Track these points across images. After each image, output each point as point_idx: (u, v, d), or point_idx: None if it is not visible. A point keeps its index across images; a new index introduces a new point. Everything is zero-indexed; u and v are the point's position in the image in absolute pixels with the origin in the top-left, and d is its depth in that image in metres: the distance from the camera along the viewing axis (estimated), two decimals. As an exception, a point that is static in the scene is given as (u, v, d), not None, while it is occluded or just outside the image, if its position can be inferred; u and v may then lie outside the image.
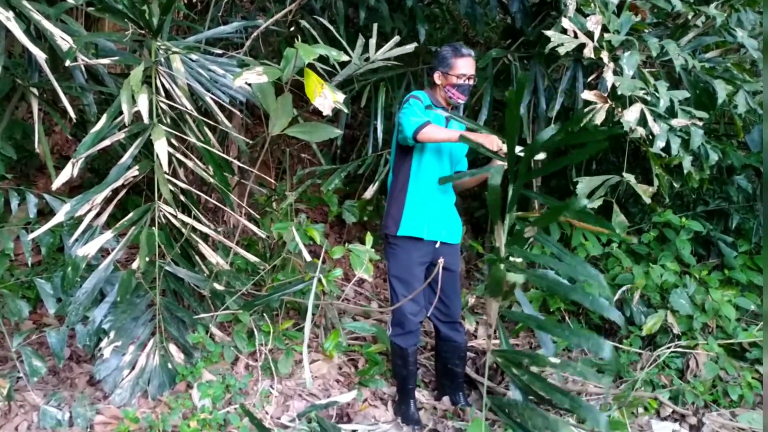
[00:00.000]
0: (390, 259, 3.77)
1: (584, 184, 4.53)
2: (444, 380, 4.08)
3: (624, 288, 4.55)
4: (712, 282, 4.55)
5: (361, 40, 3.98)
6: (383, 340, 4.20)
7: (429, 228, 3.71)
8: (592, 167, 5.73)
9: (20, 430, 3.45)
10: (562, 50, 4.05)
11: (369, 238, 3.93)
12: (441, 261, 3.49)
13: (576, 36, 4.10)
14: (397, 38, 3.97)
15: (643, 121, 4.07)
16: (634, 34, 4.25)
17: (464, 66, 3.55)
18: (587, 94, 4.17)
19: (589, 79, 4.47)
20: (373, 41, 3.98)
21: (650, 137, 4.10)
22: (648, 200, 4.45)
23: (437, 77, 3.64)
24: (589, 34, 4.11)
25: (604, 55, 4.09)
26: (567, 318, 4.81)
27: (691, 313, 4.38)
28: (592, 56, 4.10)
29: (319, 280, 3.64)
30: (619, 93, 4.03)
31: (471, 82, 3.58)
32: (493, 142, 3.28)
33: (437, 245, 3.76)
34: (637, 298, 4.52)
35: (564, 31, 4.11)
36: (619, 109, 4.12)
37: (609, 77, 4.07)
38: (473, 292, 5.14)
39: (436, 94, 3.69)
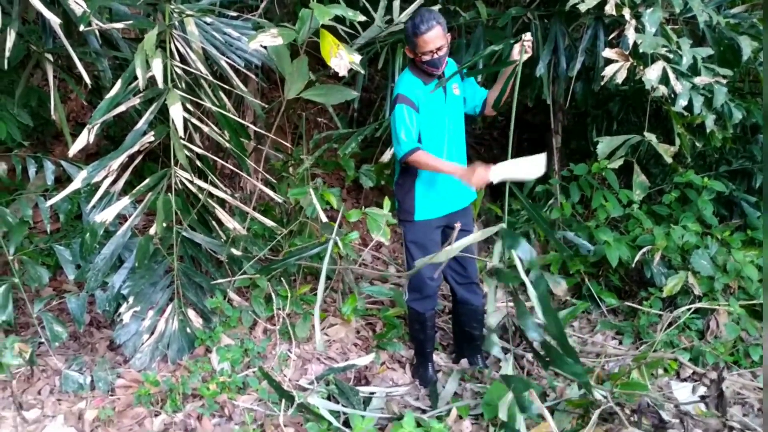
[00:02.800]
0: (406, 226, 3.74)
1: (605, 144, 4.48)
2: (462, 343, 4.08)
3: (645, 249, 4.50)
4: (734, 242, 4.48)
5: (383, 1, 3.91)
6: (401, 304, 4.19)
7: (443, 205, 3.66)
8: (613, 127, 5.65)
9: (43, 394, 3.51)
10: (582, 7, 3.96)
11: (387, 202, 3.90)
12: (458, 225, 3.45)
13: (597, -8, 4.02)
14: (419, 0, 3.90)
15: (665, 80, 3.99)
16: (657, -10, 4.15)
17: (425, 43, 3.35)
18: (608, 53, 4.09)
19: (611, 37, 4.38)
20: (396, 2, 3.92)
21: (672, 96, 4.03)
22: (669, 160, 4.39)
23: (408, 52, 3.51)
24: (611, -9, 4.03)
25: (626, 12, 4.00)
26: (587, 280, 4.78)
27: (713, 274, 4.33)
28: (614, 13, 4.01)
29: (336, 243, 3.63)
30: (641, 51, 3.95)
31: (442, 52, 3.40)
32: (471, 178, 3.31)
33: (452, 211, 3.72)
34: (658, 259, 4.48)
35: (585, -12, 4.03)
36: (641, 68, 4.04)
37: (631, 35, 3.98)
38: (491, 255, 5.11)
39: (416, 65, 3.55)
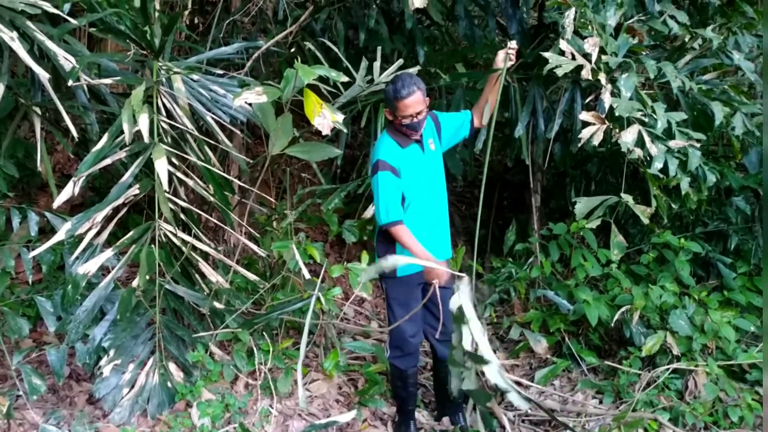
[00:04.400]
0: (388, 283, 3.76)
1: (582, 205, 4.56)
2: (443, 400, 4.08)
3: (624, 308, 4.54)
4: (711, 303, 4.55)
5: (364, 63, 4.01)
6: (383, 360, 4.20)
7: None
8: (591, 187, 5.75)
9: (19, 449, 3.46)
10: (560, 72, 4.07)
11: (365, 257, 3.93)
12: (436, 282, 3.49)
13: (574, 58, 4.13)
14: (400, 61, 4.00)
15: (640, 142, 4.09)
16: (632, 56, 4.28)
17: (406, 107, 3.43)
18: (585, 116, 4.19)
19: (587, 101, 4.49)
20: (377, 64, 4.02)
21: (648, 158, 4.12)
22: (646, 221, 4.47)
23: (387, 114, 3.59)
24: (587, 56, 4.14)
25: (602, 77, 4.12)
26: (567, 339, 4.81)
27: (691, 334, 4.37)
28: (590, 78, 4.13)
29: (318, 299, 3.65)
30: (616, 114, 4.05)
31: (421, 116, 3.49)
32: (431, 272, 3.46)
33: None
34: (637, 318, 4.52)
35: (562, 53, 4.14)
36: (617, 130, 4.14)
37: (607, 99, 4.09)
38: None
39: (395, 127, 3.61)
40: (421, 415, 4.14)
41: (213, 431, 3.55)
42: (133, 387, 3.73)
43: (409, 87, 3.41)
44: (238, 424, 3.62)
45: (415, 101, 3.42)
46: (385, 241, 3.68)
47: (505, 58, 3.70)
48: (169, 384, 3.80)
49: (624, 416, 3.74)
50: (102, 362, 3.66)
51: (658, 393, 4.20)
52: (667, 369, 4.28)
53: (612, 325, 4.54)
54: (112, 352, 3.66)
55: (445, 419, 4.06)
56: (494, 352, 4.89)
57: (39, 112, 3.80)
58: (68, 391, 3.96)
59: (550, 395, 4.39)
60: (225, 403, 3.78)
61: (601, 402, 4.35)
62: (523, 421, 4.07)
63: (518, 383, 4.50)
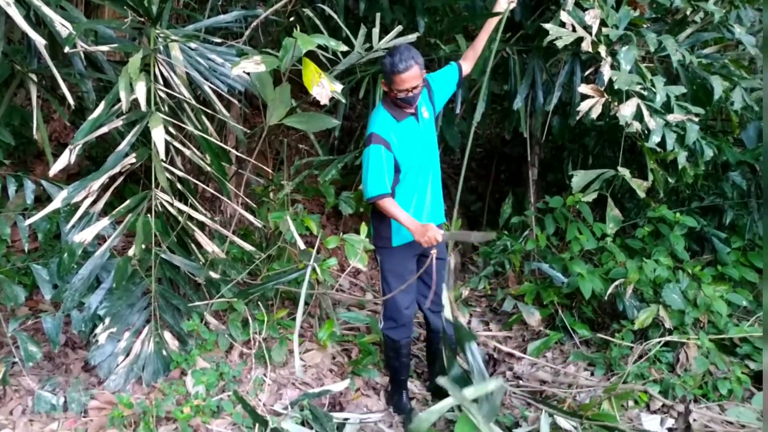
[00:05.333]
0: (383, 254, 3.77)
1: (579, 178, 4.56)
2: (436, 371, 4.11)
3: (617, 282, 4.56)
4: (704, 277, 4.57)
5: (363, 30, 3.98)
6: (377, 331, 4.23)
7: None
8: (589, 161, 5.75)
9: (15, 414, 3.49)
10: (560, 44, 4.06)
11: (363, 228, 3.94)
12: (434, 252, 3.51)
13: (574, 30, 4.11)
14: (399, 28, 3.97)
15: (639, 116, 4.08)
16: (632, 29, 4.25)
17: (402, 81, 3.41)
18: (584, 88, 4.18)
19: (587, 73, 4.48)
20: (376, 30, 3.98)
21: (646, 132, 4.12)
22: (643, 195, 4.47)
23: (383, 86, 3.59)
24: (588, 28, 4.13)
25: (602, 50, 4.10)
26: (560, 311, 4.84)
27: (683, 307, 4.40)
28: (590, 50, 4.12)
29: (314, 269, 3.66)
30: (616, 87, 4.04)
31: (417, 90, 3.48)
32: (423, 235, 3.42)
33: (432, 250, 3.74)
34: (630, 292, 4.54)
35: (562, 25, 4.13)
36: (616, 104, 4.13)
37: (606, 71, 4.08)
38: (467, 285, 5.17)
39: (391, 99, 3.59)
40: (414, 386, 4.18)
41: (207, 399, 3.58)
42: (128, 355, 3.75)
43: (407, 61, 3.39)
44: (233, 392, 3.65)
45: (412, 76, 3.41)
46: (379, 213, 3.69)
47: (506, 3, 3.73)
48: (164, 352, 3.82)
49: (615, 388, 3.78)
50: (97, 330, 3.68)
51: (649, 366, 4.23)
52: (659, 342, 4.31)
53: (605, 298, 4.57)
54: (107, 320, 3.68)
55: (438, 389, 4.10)
56: (487, 324, 4.95)
57: (35, 79, 3.78)
58: (64, 358, 3.99)
59: (542, 367, 4.43)
60: (219, 371, 3.81)
61: (592, 374, 4.38)
62: (514, 392, 4.11)
63: (511, 355, 4.55)
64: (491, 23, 3.94)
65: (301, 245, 3.88)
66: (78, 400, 3.54)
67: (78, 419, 3.47)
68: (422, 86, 3.52)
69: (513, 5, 3.86)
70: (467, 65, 3.96)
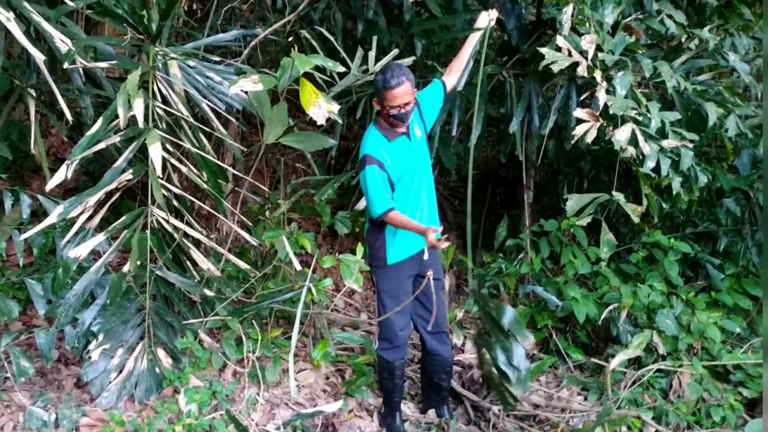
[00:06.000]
0: (379, 273, 3.78)
1: (574, 202, 4.58)
2: (429, 393, 4.10)
3: (611, 306, 4.57)
4: (698, 303, 4.58)
5: (360, 52, 4.01)
6: (371, 351, 4.21)
7: (411, 244, 3.72)
8: (584, 185, 5.77)
9: (6, 430, 3.46)
10: (556, 68, 4.09)
11: (360, 249, 3.95)
12: (430, 273, 3.51)
13: (570, 54, 4.15)
14: (395, 51, 4.00)
15: (634, 141, 4.11)
16: (628, 55, 4.29)
17: (394, 97, 3.44)
18: (580, 113, 4.21)
19: (583, 98, 4.51)
20: (372, 53, 4.02)
21: (641, 157, 4.15)
22: (637, 220, 4.49)
23: (376, 104, 3.61)
24: (584, 53, 4.16)
25: (598, 75, 4.14)
26: (554, 335, 4.84)
27: (677, 333, 4.40)
28: (586, 75, 4.15)
29: (309, 289, 3.66)
30: (611, 112, 4.07)
31: (409, 107, 3.50)
32: (428, 235, 3.41)
33: (424, 256, 3.73)
34: (624, 317, 4.54)
35: (559, 49, 4.16)
36: (611, 129, 4.16)
37: (602, 96, 4.11)
38: (462, 307, 5.16)
39: (383, 119, 3.63)
40: (407, 408, 4.17)
41: (200, 417, 3.56)
42: (121, 372, 3.73)
43: (399, 77, 3.42)
44: (225, 411, 3.63)
45: (404, 92, 3.43)
46: (375, 231, 3.70)
47: (488, 20, 3.78)
48: (157, 370, 3.81)
49: (608, 413, 3.77)
50: (91, 346, 3.66)
51: (642, 391, 4.23)
52: (652, 368, 4.30)
53: (599, 322, 4.57)
54: (101, 337, 3.66)
55: (431, 412, 4.09)
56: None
57: (34, 94, 3.79)
58: (56, 374, 3.97)
59: (535, 390, 4.42)
60: (212, 390, 3.79)
61: (586, 399, 4.38)
62: (507, 415, 4.10)
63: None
64: (473, 38, 4.01)
65: (297, 265, 3.88)
66: (69, 417, 3.52)
67: (69, 436, 3.45)
68: (414, 104, 3.54)
69: (493, 22, 3.93)
70: (451, 80, 4.00)
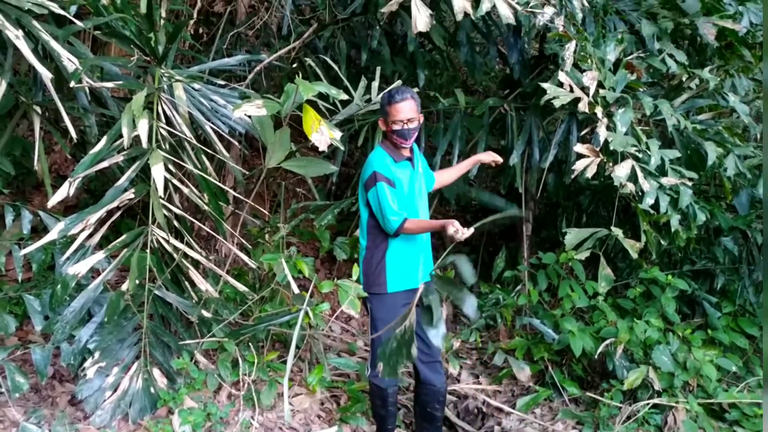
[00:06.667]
0: (374, 301, 3.78)
1: (573, 236, 4.59)
2: (423, 423, 4.07)
3: (608, 341, 4.56)
4: (695, 341, 4.58)
5: (363, 81, 4.06)
6: (365, 378, 4.20)
7: (414, 276, 3.73)
8: (583, 219, 5.80)
9: (-2, 446, 3.45)
10: (557, 103, 4.13)
11: (356, 269, 3.96)
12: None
13: (572, 90, 4.19)
14: (399, 82, 4.05)
15: (633, 178, 4.13)
16: (629, 92, 4.34)
17: (398, 111, 3.51)
18: (580, 148, 4.24)
19: (583, 133, 4.55)
20: (375, 83, 4.06)
21: (640, 194, 4.17)
22: (635, 255, 4.50)
23: (381, 124, 3.67)
24: (585, 89, 4.20)
25: (599, 111, 4.17)
26: (550, 368, 4.83)
27: (673, 370, 4.39)
28: (587, 111, 4.18)
29: (306, 313, 3.67)
30: (611, 148, 4.10)
31: (412, 124, 3.55)
32: (448, 227, 3.39)
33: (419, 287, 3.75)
34: (620, 352, 4.54)
35: (560, 85, 4.20)
36: (611, 164, 4.19)
37: (602, 132, 4.14)
38: (458, 336, 5.16)
39: (389, 142, 3.68)
40: (401, 436, 4.15)
41: (193, 439, 3.55)
42: (116, 390, 3.72)
43: (403, 94, 3.53)
44: (218, 434, 3.62)
45: (408, 107, 3.51)
46: (374, 257, 3.71)
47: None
48: (152, 389, 3.79)
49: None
50: (86, 364, 3.65)
51: (637, 427, 4.21)
52: (648, 403, 4.29)
53: (596, 357, 4.56)
54: (97, 355, 3.66)
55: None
56: (477, 377, 4.92)
57: (39, 111, 3.82)
58: (51, 391, 3.95)
59: (530, 423, 4.40)
60: (207, 411, 3.78)
61: (580, 432, 4.36)
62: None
63: (499, 409, 4.52)
64: (463, 168, 4.13)
65: (295, 288, 3.89)
66: (62, 435, 3.51)
67: (60, 454, 3.43)
68: (418, 125, 3.60)
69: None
70: (439, 181, 4.15)
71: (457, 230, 3.34)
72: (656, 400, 4.30)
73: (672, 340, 4.56)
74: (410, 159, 3.68)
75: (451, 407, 4.51)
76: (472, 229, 3.38)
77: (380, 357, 3.21)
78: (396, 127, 3.53)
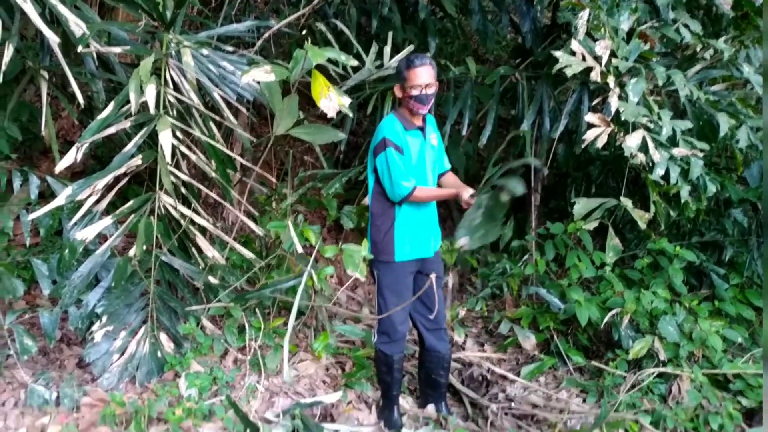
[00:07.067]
0: (382, 269, 3.79)
1: (581, 206, 4.58)
2: (427, 389, 4.11)
3: (614, 311, 4.57)
4: (701, 312, 4.57)
5: (375, 47, 4.02)
6: (371, 345, 4.23)
7: (421, 246, 3.74)
8: (592, 190, 5.77)
9: (7, 406, 3.49)
10: (569, 72, 4.09)
11: (365, 243, 3.96)
12: (433, 276, 3.55)
13: (584, 59, 4.15)
14: (411, 47, 4.01)
15: (644, 148, 4.11)
16: (642, 62, 4.29)
17: (417, 76, 3.48)
18: (591, 117, 4.20)
19: (594, 103, 4.51)
20: (387, 48, 4.02)
21: (650, 164, 4.14)
22: (644, 226, 4.48)
23: (397, 90, 3.62)
24: (598, 59, 4.16)
25: (611, 80, 4.13)
26: (555, 337, 4.84)
27: (679, 340, 4.40)
28: (599, 80, 4.14)
29: (310, 276, 3.67)
30: (622, 118, 4.06)
31: (430, 90, 3.52)
32: (462, 193, 3.51)
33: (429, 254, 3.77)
34: (626, 322, 4.54)
35: (573, 54, 4.16)
36: (622, 135, 4.16)
37: (614, 102, 4.11)
38: (464, 305, 5.17)
39: (402, 110, 3.65)
40: (405, 402, 4.17)
41: (199, 402, 3.58)
42: (123, 354, 3.76)
43: (422, 59, 3.51)
44: (225, 397, 3.65)
45: (427, 72, 3.49)
46: (383, 225, 3.71)
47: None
48: (159, 353, 3.83)
49: (606, 414, 3.77)
50: (94, 328, 3.69)
51: (641, 396, 4.22)
52: (653, 373, 4.30)
53: (601, 326, 4.57)
54: (104, 319, 3.69)
55: (430, 407, 4.09)
56: (482, 345, 4.94)
57: (46, 76, 3.81)
58: (59, 353, 4.00)
59: (534, 391, 4.42)
60: (213, 376, 3.81)
61: (584, 401, 4.37)
62: (506, 413, 4.11)
63: (504, 377, 4.54)
64: (445, 194, 3.87)
65: (300, 251, 3.90)
66: (71, 396, 3.54)
67: (70, 415, 3.46)
68: (435, 91, 3.57)
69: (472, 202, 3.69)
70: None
71: (474, 194, 3.36)
72: (661, 369, 4.31)
73: (678, 310, 4.56)
74: (422, 129, 3.66)
75: (456, 374, 4.53)
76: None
77: (463, 227, 3.34)
78: (414, 92, 3.50)
